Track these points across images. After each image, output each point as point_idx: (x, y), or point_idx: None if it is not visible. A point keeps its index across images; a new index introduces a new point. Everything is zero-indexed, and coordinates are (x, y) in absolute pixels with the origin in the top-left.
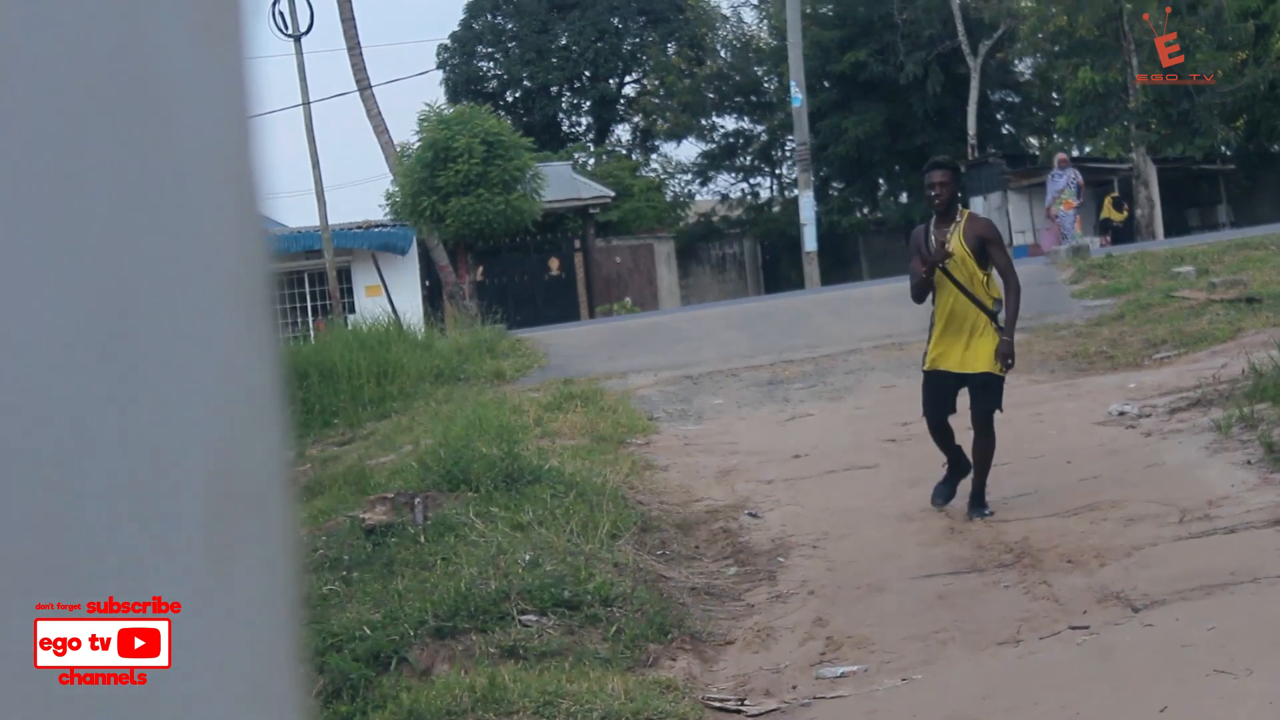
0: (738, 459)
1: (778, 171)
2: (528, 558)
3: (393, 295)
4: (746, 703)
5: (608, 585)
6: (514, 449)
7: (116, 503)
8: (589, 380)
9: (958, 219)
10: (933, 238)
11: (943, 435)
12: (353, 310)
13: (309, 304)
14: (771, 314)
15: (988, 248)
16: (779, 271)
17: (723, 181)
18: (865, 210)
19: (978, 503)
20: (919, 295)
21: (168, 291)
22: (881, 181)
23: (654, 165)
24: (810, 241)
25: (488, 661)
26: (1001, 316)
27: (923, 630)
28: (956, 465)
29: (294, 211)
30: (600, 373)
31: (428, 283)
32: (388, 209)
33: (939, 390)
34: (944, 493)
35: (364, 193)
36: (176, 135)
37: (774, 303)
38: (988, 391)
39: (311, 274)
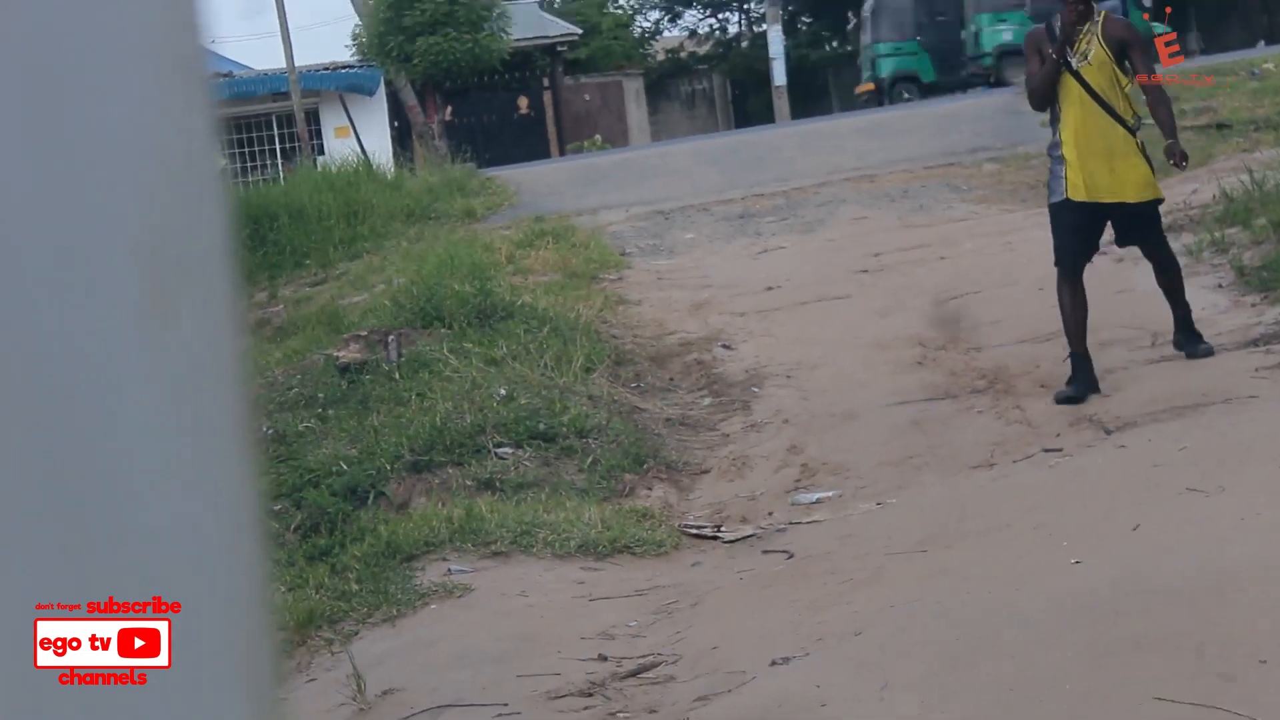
0: (710, 292)
1: (746, 6)
2: (502, 392)
3: (361, 136)
4: (723, 529)
5: (583, 417)
6: (486, 286)
7: (55, 272)
8: (560, 217)
9: (1095, 19)
10: (1060, 36)
11: (1074, 295)
12: (322, 152)
13: (277, 147)
14: (741, 149)
15: (1129, 52)
16: (748, 107)
17: (691, 17)
18: (834, 44)
19: (1192, 336)
20: (1042, 98)
21: (99, 56)
22: (850, 15)
23: (621, 2)
24: (779, 76)
25: (464, 494)
26: (1141, 136)
27: (897, 456)
28: (1082, 360)
29: (260, 54)
30: (571, 210)
31: (396, 123)
32: (354, 50)
33: (1081, 225)
34: (1079, 384)
35: (330, 34)
36: None
37: (744, 137)
38: (1149, 219)
39: (279, 116)
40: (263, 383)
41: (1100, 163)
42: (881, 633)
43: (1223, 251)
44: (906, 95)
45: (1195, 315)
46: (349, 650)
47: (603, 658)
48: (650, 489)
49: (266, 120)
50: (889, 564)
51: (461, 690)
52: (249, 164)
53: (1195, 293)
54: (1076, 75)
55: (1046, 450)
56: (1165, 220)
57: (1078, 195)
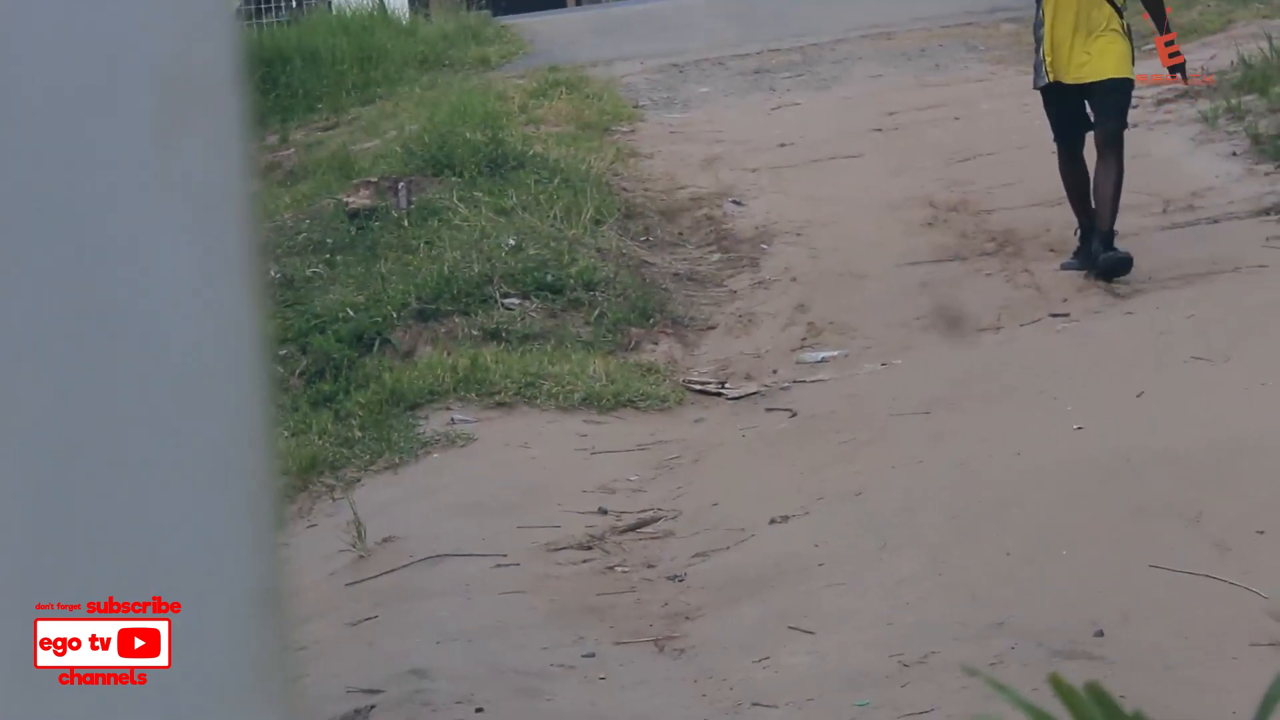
0: (723, 147)
1: None
2: (511, 242)
3: None
4: (727, 386)
5: (590, 270)
6: (498, 135)
7: (63, 88)
8: (574, 68)
9: None
10: None
11: (1074, 169)
12: None
13: None
14: (759, 2)
15: None
16: None
17: None
18: None
19: (1108, 247)
20: None
21: None
22: None
23: None
24: None
25: (470, 343)
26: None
27: (904, 317)
28: (1090, 231)
29: None
30: (586, 60)
31: None
32: None
33: (1061, 105)
34: (1084, 255)
35: None
36: None
37: None
38: (1114, 100)
39: None
40: (272, 227)
41: (1078, 40)
42: (882, 494)
43: (1238, 119)
44: None
45: (1208, 183)
46: (350, 497)
47: (603, 511)
48: (656, 344)
49: None
50: (892, 425)
51: (461, 540)
52: (263, 4)
53: (1209, 160)
54: None
55: (1053, 315)
56: (1181, 85)
57: (1054, 77)
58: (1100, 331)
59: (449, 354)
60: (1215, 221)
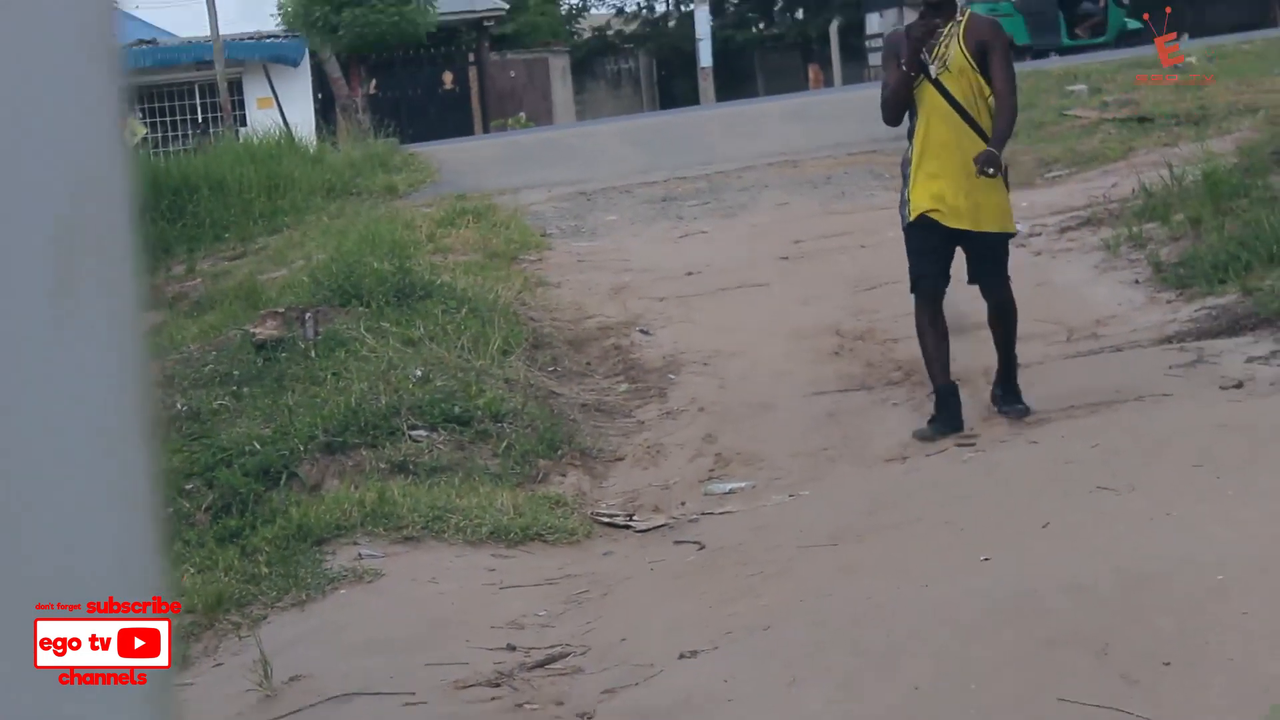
0: (630, 276)
1: None
2: (419, 373)
3: (284, 108)
4: (635, 518)
5: (498, 401)
6: (406, 264)
7: None
8: (482, 196)
9: (957, 18)
10: (917, 41)
11: (935, 326)
12: (244, 123)
13: (199, 116)
14: (666, 130)
15: (990, 56)
16: (674, 88)
17: None
18: (761, 25)
19: (1011, 395)
20: (894, 110)
21: (8, 39)
22: None
23: None
24: (705, 57)
25: (377, 476)
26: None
27: (810, 446)
28: (948, 394)
29: (185, 22)
30: (494, 188)
31: (320, 95)
32: (280, 20)
33: (929, 245)
34: (942, 422)
35: (256, 3)
36: None
37: (669, 119)
38: (998, 258)
39: (202, 85)
40: (178, 358)
41: (954, 183)
42: (791, 628)
43: (1140, 247)
44: None
45: (1111, 311)
46: (257, 635)
47: (511, 647)
48: (564, 475)
49: (189, 89)
50: (800, 557)
51: (369, 678)
52: (171, 134)
53: (1112, 288)
54: (936, 83)
55: (959, 444)
56: (1083, 214)
57: (913, 213)
58: (1006, 461)
59: (356, 487)
60: (1119, 350)
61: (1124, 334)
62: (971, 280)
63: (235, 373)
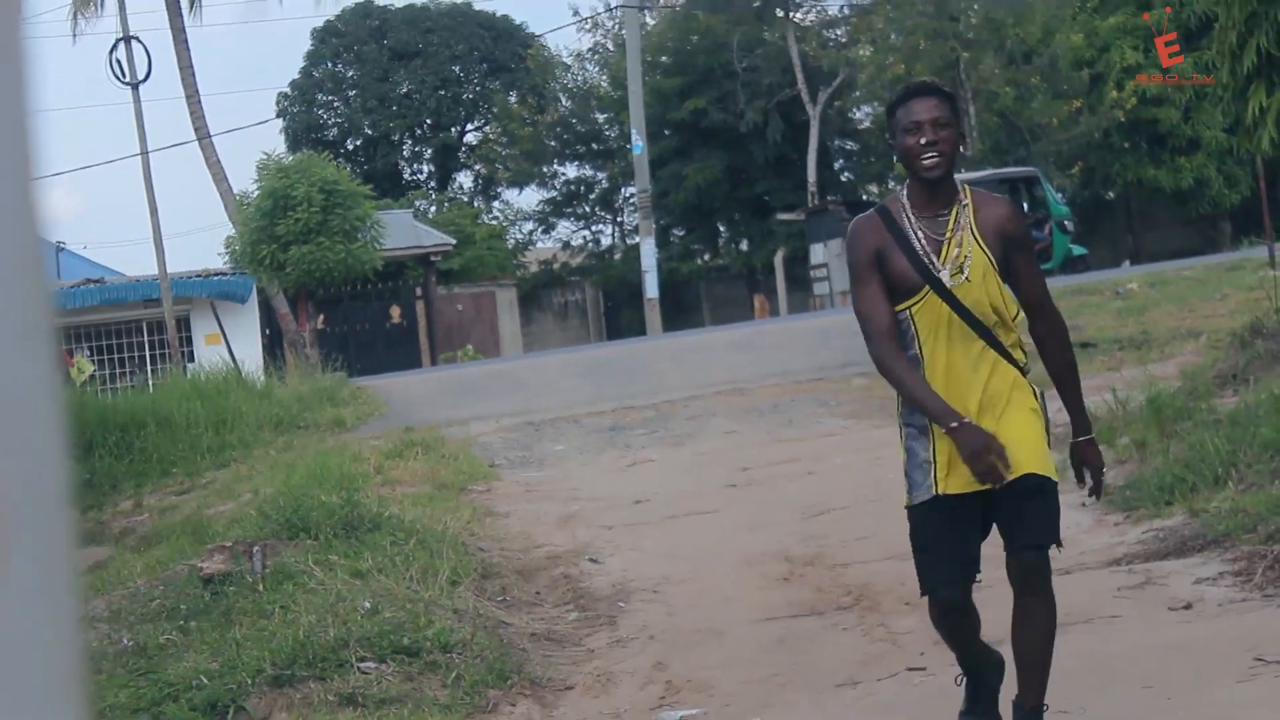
0: (579, 505)
1: (619, 219)
2: (367, 605)
3: (232, 344)
4: None
5: (447, 632)
6: (354, 497)
7: None
8: (430, 428)
9: (961, 199)
10: (918, 235)
11: (962, 621)
12: (192, 359)
13: (147, 353)
14: (613, 361)
15: (1013, 254)
16: (621, 318)
17: (564, 229)
18: (706, 257)
19: None
20: (890, 342)
21: None
22: (722, 228)
23: (496, 213)
24: (651, 288)
25: (326, 709)
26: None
27: (762, 673)
28: (984, 672)
29: (132, 260)
30: (441, 420)
31: (268, 331)
32: (227, 257)
33: (952, 529)
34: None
35: (203, 241)
36: None
37: (616, 349)
38: (1043, 507)
39: (150, 323)
40: (124, 593)
41: (979, 423)
42: None
43: None
44: None
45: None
46: None
47: None
48: (514, 705)
49: (137, 326)
50: None
51: None
52: (119, 370)
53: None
54: (947, 295)
55: (911, 669)
56: None
57: (955, 486)
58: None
59: None
60: (1067, 573)
61: (1072, 556)
62: (1012, 548)
63: (182, 607)
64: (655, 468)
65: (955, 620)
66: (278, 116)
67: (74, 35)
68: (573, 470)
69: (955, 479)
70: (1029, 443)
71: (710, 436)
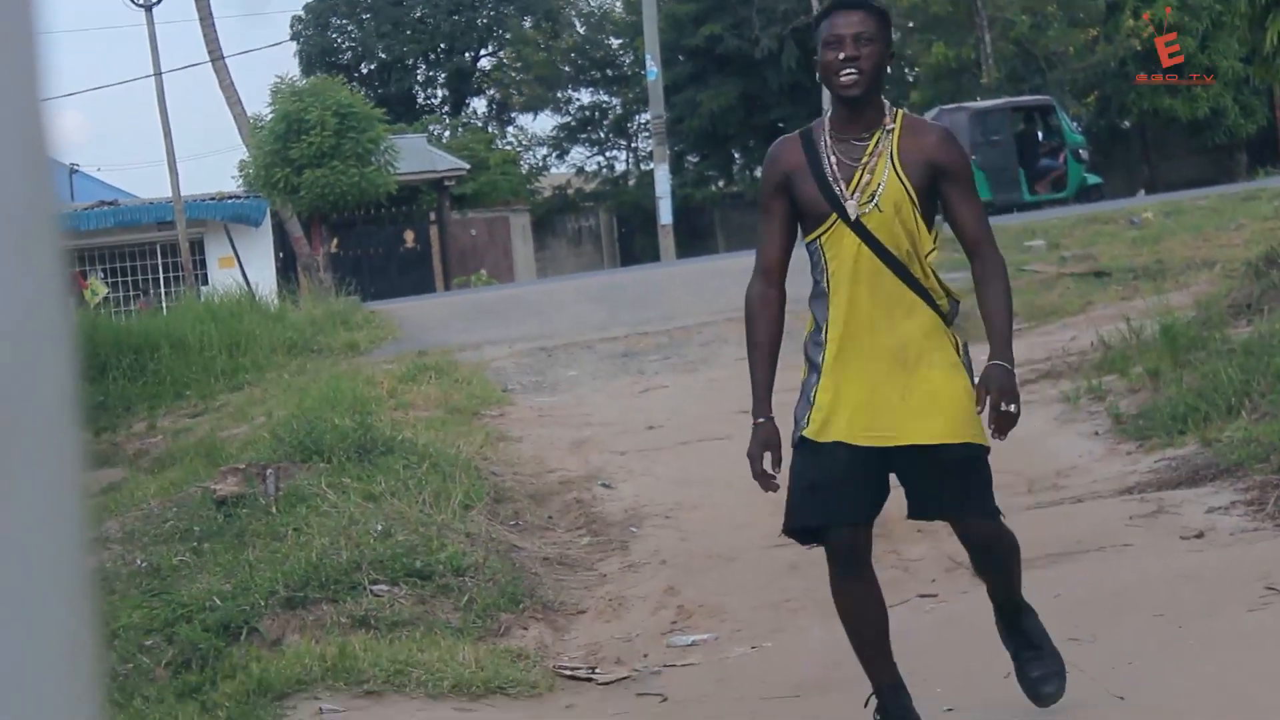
0: (592, 430)
1: (633, 145)
2: (380, 528)
3: (246, 267)
4: (597, 671)
5: (460, 555)
6: (367, 420)
7: None
8: (443, 352)
9: (886, 124)
10: (830, 159)
11: (862, 591)
12: (206, 282)
13: (161, 276)
14: (627, 287)
15: (944, 185)
16: (635, 245)
17: (578, 154)
18: (721, 184)
19: (1048, 656)
20: (775, 278)
21: None
22: (737, 155)
23: (510, 138)
24: (665, 215)
25: (339, 631)
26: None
27: (773, 599)
28: (894, 696)
29: (146, 183)
30: (455, 345)
31: (281, 255)
32: (241, 181)
33: (843, 473)
34: None
35: (217, 164)
36: None
37: (629, 275)
38: (972, 475)
39: (164, 245)
40: (138, 514)
41: (885, 374)
42: None
43: (1099, 399)
44: None
45: (1072, 463)
46: None
47: None
48: (526, 628)
49: (151, 249)
50: (764, 709)
51: None
52: (133, 293)
53: (1071, 440)
54: (856, 226)
55: (922, 596)
56: (1043, 368)
57: (830, 434)
58: (968, 612)
59: (317, 642)
60: (1079, 501)
61: (1084, 485)
62: (916, 513)
63: (196, 529)
64: (668, 394)
65: (852, 579)
66: (291, 39)
67: None
68: (585, 395)
69: (834, 427)
70: (944, 405)
71: (723, 363)
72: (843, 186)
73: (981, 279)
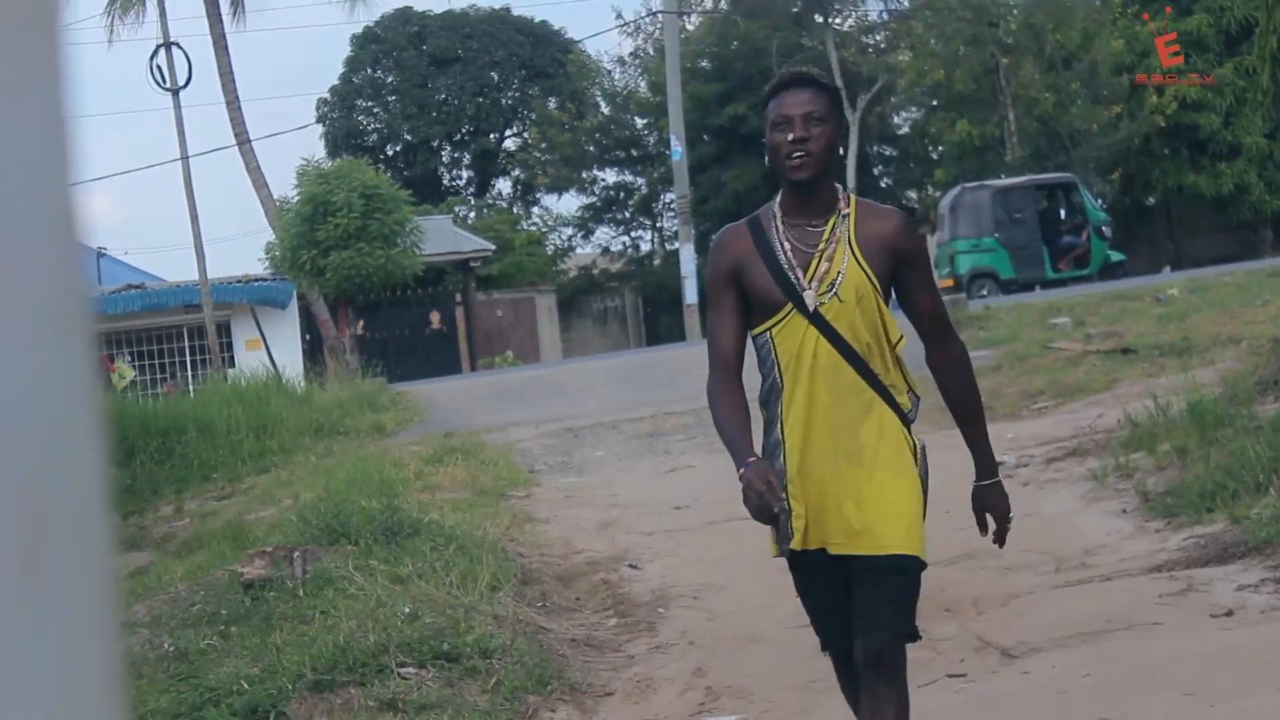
0: (618, 511)
1: (658, 224)
2: (407, 610)
3: (272, 349)
4: None
5: (487, 637)
6: (394, 502)
7: None
8: (470, 433)
9: (841, 208)
10: (784, 246)
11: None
12: (232, 365)
13: (188, 359)
14: (653, 366)
15: (904, 272)
16: (660, 324)
17: (604, 234)
18: None
19: None
20: (730, 374)
21: None
22: None
23: (535, 218)
24: (691, 294)
25: (366, 715)
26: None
27: (800, 680)
28: None
29: (173, 266)
30: (481, 426)
31: (308, 337)
32: (267, 263)
33: (816, 585)
34: None
35: (244, 247)
36: None
37: (655, 355)
38: (896, 587)
39: (191, 328)
40: (165, 598)
41: (837, 480)
42: None
43: (1127, 476)
44: (984, 292)
45: (1100, 541)
46: None
47: None
48: (554, 711)
49: (178, 332)
50: None
51: None
52: (159, 376)
53: (1099, 518)
54: (814, 317)
55: (951, 675)
56: (1070, 445)
57: (810, 542)
58: (998, 692)
59: None
60: (1108, 579)
61: (1113, 563)
62: (855, 631)
63: (223, 612)
64: (694, 473)
65: (843, 671)
66: (317, 122)
67: (109, 39)
68: (612, 476)
69: (811, 536)
70: (891, 513)
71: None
72: (800, 274)
73: (945, 367)
